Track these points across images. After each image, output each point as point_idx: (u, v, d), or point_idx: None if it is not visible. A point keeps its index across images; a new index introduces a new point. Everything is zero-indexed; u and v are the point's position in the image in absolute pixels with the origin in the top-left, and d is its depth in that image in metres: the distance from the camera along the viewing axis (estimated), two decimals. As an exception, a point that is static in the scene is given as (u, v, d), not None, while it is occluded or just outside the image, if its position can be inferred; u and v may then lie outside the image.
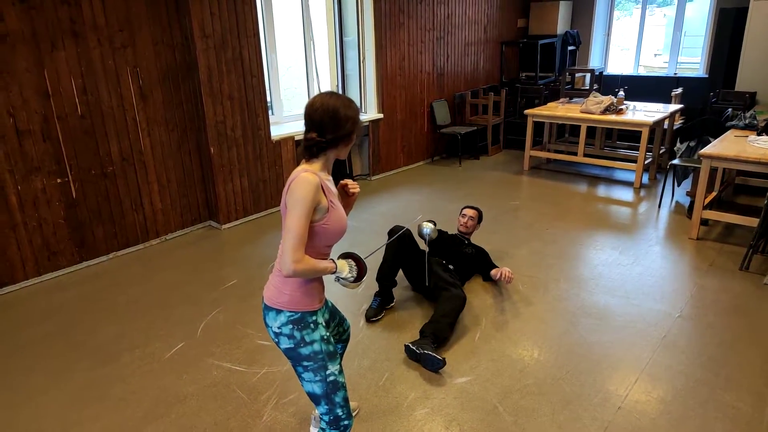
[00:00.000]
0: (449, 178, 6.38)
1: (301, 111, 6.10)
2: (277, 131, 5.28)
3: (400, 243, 3.38)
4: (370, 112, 6.27)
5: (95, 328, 3.30)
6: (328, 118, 1.71)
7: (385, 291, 3.44)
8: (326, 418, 1.86)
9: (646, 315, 3.30)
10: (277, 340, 1.81)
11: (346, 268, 1.85)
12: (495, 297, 3.59)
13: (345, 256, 1.91)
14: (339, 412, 1.85)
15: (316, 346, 1.78)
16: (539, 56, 7.91)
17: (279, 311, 1.77)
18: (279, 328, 1.77)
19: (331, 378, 1.81)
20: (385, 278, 3.40)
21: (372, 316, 3.33)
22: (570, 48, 8.12)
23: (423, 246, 3.52)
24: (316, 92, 6.14)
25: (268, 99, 5.74)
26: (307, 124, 1.74)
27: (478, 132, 7.22)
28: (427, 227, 3.42)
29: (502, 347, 3.02)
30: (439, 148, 7.30)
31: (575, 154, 6.29)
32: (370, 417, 2.50)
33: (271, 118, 5.51)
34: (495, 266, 3.70)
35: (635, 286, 3.66)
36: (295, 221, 1.63)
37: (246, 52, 4.74)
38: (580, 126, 6.09)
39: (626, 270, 3.89)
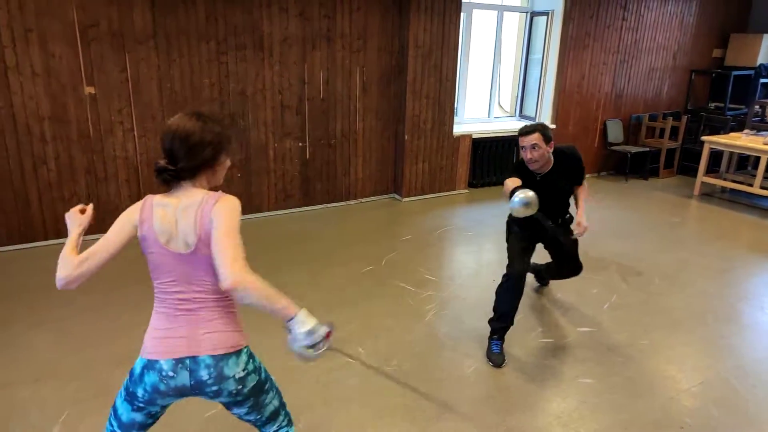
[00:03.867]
0: (612, 191, 6.80)
1: (481, 115, 7.06)
2: (458, 129, 6.29)
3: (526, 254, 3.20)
4: (544, 121, 6.97)
5: (312, 249, 4.62)
6: (179, 144, 1.56)
7: (505, 331, 3.13)
8: (284, 423, 1.81)
9: (769, 322, 3.60)
10: (241, 386, 1.62)
11: (310, 321, 1.51)
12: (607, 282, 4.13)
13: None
14: (286, 406, 1.84)
15: (260, 362, 1.72)
16: (731, 87, 7.80)
17: (238, 353, 1.61)
18: (244, 370, 1.62)
19: (274, 381, 1.79)
20: (509, 317, 3.10)
21: (501, 362, 3.04)
22: (763, 80, 7.85)
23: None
24: (495, 101, 7.04)
25: (456, 102, 6.79)
26: (161, 149, 1.59)
27: (651, 154, 7.45)
28: (519, 203, 2.80)
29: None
30: (608, 164, 7.68)
31: (752, 185, 6.27)
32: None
33: (456, 118, 6.55)
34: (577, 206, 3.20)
35: (769, 300, 3.91)
36: (233, 238, 1.53)
37: (445, 61, 5.83)
38: (760, 157, 6.09)
39: None
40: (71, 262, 1.54)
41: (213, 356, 1.57)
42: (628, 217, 5.78)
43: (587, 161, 7.55)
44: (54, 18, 4.07)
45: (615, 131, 7.47)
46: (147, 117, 4.60)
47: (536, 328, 3.47)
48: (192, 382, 1.58)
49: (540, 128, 2.93)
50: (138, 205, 1.63)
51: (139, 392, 1.61)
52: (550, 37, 6.75)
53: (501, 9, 6.65)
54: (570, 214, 3.35)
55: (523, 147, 2.94)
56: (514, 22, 7.07)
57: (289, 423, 1.84)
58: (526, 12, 6.91)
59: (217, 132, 1.62)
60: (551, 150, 3.01)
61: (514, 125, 6.93)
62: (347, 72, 5.44)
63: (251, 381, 1.64)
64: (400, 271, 4.23)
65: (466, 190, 6.54)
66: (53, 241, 4.46)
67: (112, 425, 1.70)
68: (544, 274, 3.86)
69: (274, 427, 1.78)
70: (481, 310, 3.51)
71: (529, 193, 2.77)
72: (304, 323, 1.49)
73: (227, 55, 4.79)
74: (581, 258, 3.44)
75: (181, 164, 1.57)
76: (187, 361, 1.57)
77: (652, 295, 3.96)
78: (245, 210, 4.76)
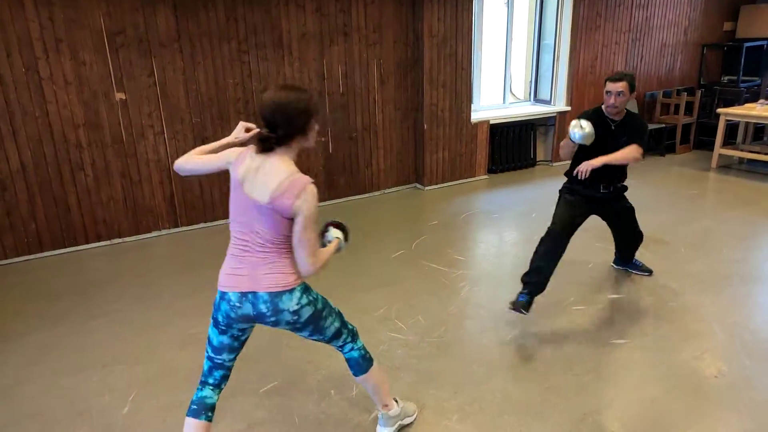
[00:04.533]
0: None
1: (495, 102, 7.13)
2: (475, 116, 6.37)
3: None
4: (558, 105, 7.03)
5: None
6: (279, 114, 1.76)
7: (535, 287, 3.15)
8: (349, 338, 2.11)
9: (800, 282, 3.65)
10: (297, 317, 1.89)
11: (341, 235, 2.12)
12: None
13: (328, 226, 2.14)
14: (348, 324, 2.12)
15: (317, 294, 2.00)
16: (744, 59, 7.80)
17: (291, 291, 1.87)
18: (298, 304, 1.89)
19: (333, 306, 2.07)
20: (541, 274, 3.15)
21: (522, 307, 3.06)
22: (779, 50, 7.83)
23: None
24: (508, 86, 7.10)
25: (472, 89, 6.85)
26: (261, 119, 1.81)
27: (667, 130, 7.47)
28: (579, 130, 2.99)
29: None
30: (624, 143, 7.70)
31: (770, 154, 6.28)
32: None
33: (473, 105, 6.62)
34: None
35: (799, 262, 3.95)
36: (311, 234, 1.81)
37: (460, 49, 5.91)
38: (777, 126, 6.10)
39: (794, 250, 4.16)
40: (187, 156, 1.97)
41: (269, 293, 1.85)
42: (648, 192, 5.82)
43: (603, 142, 7.62)
44: (83, 27, 4.22)
45: (630, 109, 7.48)
46: (176, 119, 4.74)
47: (568, 298, 3.55)
48: (254, 313, 1.89)
49: (628, 77, 3.11)
50: (238, 150, 1.90)
51: (219, 317, 1.94)
52: (562, 19, 6.80)
53: (511, -6, 6.71)
54: (624, 185, 3.47)
55: (608, 92, 3.12)
56: (524, 7, 7.13)
57: (354, 338, 2.14)
58: (536, -4, 6.96)
59: (307, 100, 1.83)
60: (630, 100, 3.18)
61: (529, 110, 7.00)
62: (365, 65, 5.55)
63: (306, 312, 1.92)
64: (430, 253, 4.32)
65: (486, 176, 6.61)
66: (94, 244, 4.61)
67: (207, 351, 2.02)
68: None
69: (339, 343, 2.10)
70: (515, 282, 3.59)
71: (583, 123, 3.00)
72: (341, 239, 2.13)
73: (248, 54, 4.92)
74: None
75: (280, 131, 1.78)
76: (249, 296, 1.87)
77: (678, 262, 4.02)
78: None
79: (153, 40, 4.49)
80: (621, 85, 3.08)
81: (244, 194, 1.82)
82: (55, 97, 4.25)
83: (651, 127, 7.23)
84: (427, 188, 6.14)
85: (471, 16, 5.89)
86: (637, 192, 5.72)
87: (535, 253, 3.23)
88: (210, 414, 2.00)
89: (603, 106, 3.25)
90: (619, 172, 3.36)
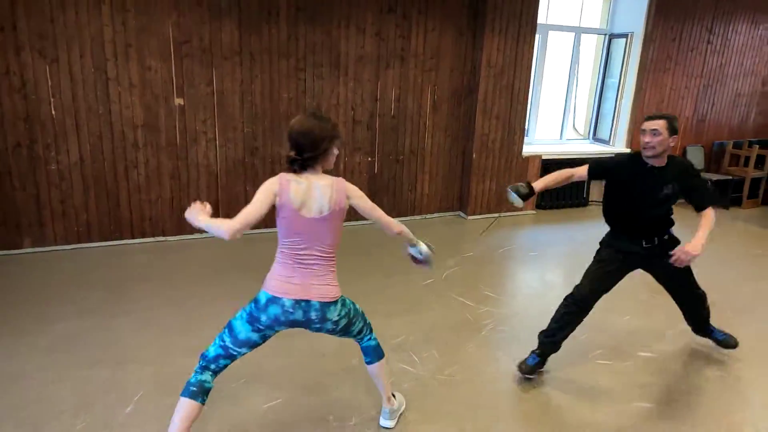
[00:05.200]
0: (690, 220, 6.45)
1: (552, 137, 6.96)
2: (528, 149, 6.24)
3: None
4: (617, 145, 6.77)
5: (374, 261, 4.71)
6: (304, 139, 2.03)
7: (546, 348, 3.03)
8: (367, 331, 2.39)
9: None
10: (336, 326, 2.19)
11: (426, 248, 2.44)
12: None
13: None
14: (367, 319, 2.40)
15: (349, 302, 2.29)
16: (829, 115, 7.27)
17: (336, 302, 2.16)
18: (338, 315, 2.17)
19: (357, 307, 2.35)
20: (554, 337, 3.02)
21: (527, 372, 2.97)
22: None
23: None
24: (568, 123, 6.92)
25: (527, 122, 6.75)
26: (289, 143, 2.07)
27: (734, 183, 7.04)
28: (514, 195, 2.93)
29: (691, 348, 3.44)
30: (686, 192, 7.31)
31: None
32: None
33: (526, 139, 6.50)
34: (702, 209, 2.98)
35: None
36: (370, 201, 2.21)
37: (517, 82, 5.83)
38: None
39: None
40: (230, 222, 2.00)
41: (321, 303, 2.11)
42: (706, 247, 5.47)
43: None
44: (152, 35, 4.46)
45: (695, 158, 7.13)
46: (229, 128, 4.91)
47: (595, 350, 3.36)
48: (303, 319, 2.12)
49: (668, 117, 2.77)
50: (275, 179, 2.07)
51: (263, 318, 2.11)
52: (629, 59, 6.58)
53: (578, 31, 6.58)
54: (672, 235, 3.11)
55: (643, 130, 2.78)
56: (591, 44, 6.96)
57: (370, 331, 2.43)
58: (605, 34, 6.80)
59: (330, 128, 2.10)
60: (671, 144, 2.79)
61: (586, 148, 6.80)
62: (419, 90, 5.56)
63: (344, 321, 2.23)
64: (459, 285, 4.23)
65: (534, 212, 6.44)
66: (139, 240, 4.81)
67: (223, 341, 2.16)
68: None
69: (360, 336, 2.38)
70: (540, 329, 3.45)
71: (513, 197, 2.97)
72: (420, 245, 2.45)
73: (305, 71, 5.04)
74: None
75: (306, 154, 2.05)
76: (303, 303, 2.10)
77: (722, 326, 3.73)
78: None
79: (216, 51, 4.69)
80: (658, 123, 2.72)
81: (299, 216, 2.05)
82: (119, 97, 4.50)
83: (716, 177, 6.84)
84: (469, 218, 6.04)
85: (532, 49, 5.80)
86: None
87: (557, 312, 3.03)
88: (205, 397, 2.14)
89: (642, 151, 2.83)
90: (664, 222, 3.06)
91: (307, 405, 2.70)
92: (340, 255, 2.26)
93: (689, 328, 3.41)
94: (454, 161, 6.00)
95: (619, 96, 6.74)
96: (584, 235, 5.74)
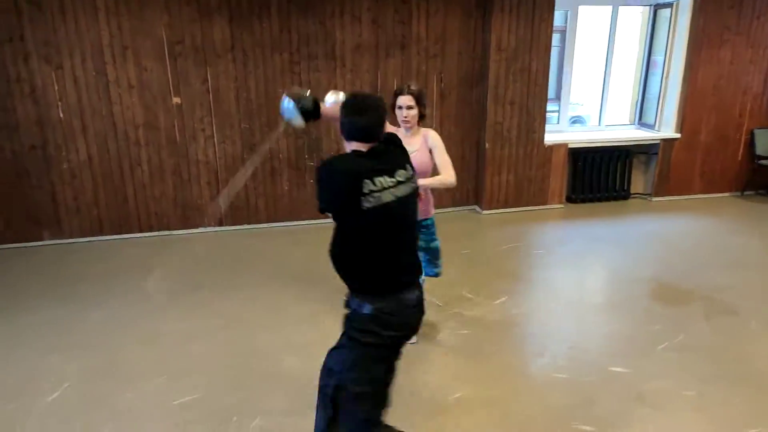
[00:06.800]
0: (755, 215, 5.64)
1: (599, 124, 6.30)
2: (553, 137, 5.75)
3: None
4: (664, 131, 6.04)
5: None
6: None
7: None
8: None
9: None
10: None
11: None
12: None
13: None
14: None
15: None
16: None
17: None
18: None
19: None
20: None
21: None
22: None
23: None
24: (607, 108, 6.28)
25: (556, 108, 6.24)
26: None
27: (815, 170, 6.02)
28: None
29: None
30: (755, 182, 6.37)
31: None
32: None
33: (553, 126, 6.01)
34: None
35: None
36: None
37: (534, 64, 5.38)
38: None
39: None
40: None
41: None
42: (757, 247, 4.73)
43: (725, 177, 6.39)
44: (146, 36, 4.64)
45: (766, 142, 6.19)
46: (226, 125, 5.00)
47: (556, 358, 2.99)
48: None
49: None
50: None
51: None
52: (674, 32, 5.84)
53: (616, 3, 5.94)
54: None
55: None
56: (635, 18, 6.27)
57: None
58: (649, 5, 6.08)
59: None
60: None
61: (629, 134, 6.15)
62: (423, 78, 5.31)
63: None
64: (439, 284, 3.97)
65: (561, 205, 5.93)
66: (147, 233, 5.04)
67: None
68: None
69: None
70: (506, 340, 3.16)
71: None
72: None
73: (300, 65, 5.00)
74: None
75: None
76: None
77: (735, 340, 3.18)
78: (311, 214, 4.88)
79: (209, 49, 4.78)
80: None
81: None
82: (119, 99, 4.74)
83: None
84: (485, 212, 5.69)
85: (549, 27, 5.32)
86: (741, 246, 4.70)
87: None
88: None
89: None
90: None
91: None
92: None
93: (685, 347, 2.94)
94: (468, 153, 5.68)
95: (664, 75, 6.00)
96: (613, 231, 5.19)
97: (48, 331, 3.35)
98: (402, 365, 2.04)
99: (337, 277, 1.90)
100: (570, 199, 6.06)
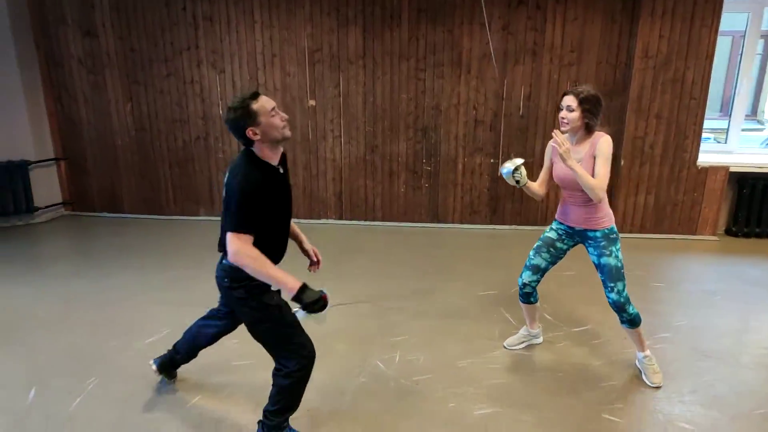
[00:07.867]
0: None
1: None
2: (711, 158, 4.97)
3: None
4: None
5: (488, 261, 4.52)
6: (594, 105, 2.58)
7: None
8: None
9: None
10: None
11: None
12: None
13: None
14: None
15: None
16: None
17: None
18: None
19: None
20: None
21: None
22: None
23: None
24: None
25: (725, 127, 5.39)
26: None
27: None
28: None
29: None
30: None
31: None
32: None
33: (718, 146, 5.19)
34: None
35: None
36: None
37: (690, 74, 4.72)
38: None
39: None
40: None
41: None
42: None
43: None
44: (292, 45, 5.20)
45: None
46: (352, 126, 5.35)
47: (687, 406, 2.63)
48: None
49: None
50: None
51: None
52: None
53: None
54: None
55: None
56: None
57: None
58: None
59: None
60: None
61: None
62: (554, 87, 5.03)
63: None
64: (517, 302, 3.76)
65: (715, 238, 5.09)
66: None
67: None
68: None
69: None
70: (548, 372, 2.89)
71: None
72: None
73: (425, 72, 5.12)
74: None
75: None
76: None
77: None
78: (429, 218, 5.23)
79: (342, 56, 5.18)
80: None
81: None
82: (266, 99, 5.38)
83: None
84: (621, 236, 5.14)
85: (713, 33, 4.61)
86: None
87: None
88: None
89: None
90: None
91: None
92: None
93: None
94: (602, 168, 5.18)
95: None
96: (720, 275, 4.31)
97: (175, 286, 4.00)
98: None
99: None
100: (730, 232, 5.16)
